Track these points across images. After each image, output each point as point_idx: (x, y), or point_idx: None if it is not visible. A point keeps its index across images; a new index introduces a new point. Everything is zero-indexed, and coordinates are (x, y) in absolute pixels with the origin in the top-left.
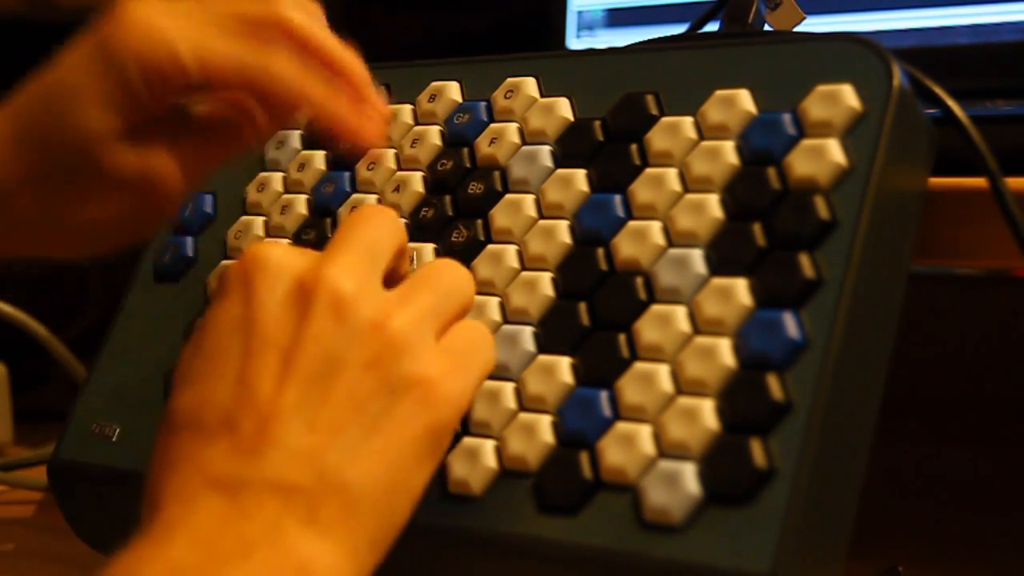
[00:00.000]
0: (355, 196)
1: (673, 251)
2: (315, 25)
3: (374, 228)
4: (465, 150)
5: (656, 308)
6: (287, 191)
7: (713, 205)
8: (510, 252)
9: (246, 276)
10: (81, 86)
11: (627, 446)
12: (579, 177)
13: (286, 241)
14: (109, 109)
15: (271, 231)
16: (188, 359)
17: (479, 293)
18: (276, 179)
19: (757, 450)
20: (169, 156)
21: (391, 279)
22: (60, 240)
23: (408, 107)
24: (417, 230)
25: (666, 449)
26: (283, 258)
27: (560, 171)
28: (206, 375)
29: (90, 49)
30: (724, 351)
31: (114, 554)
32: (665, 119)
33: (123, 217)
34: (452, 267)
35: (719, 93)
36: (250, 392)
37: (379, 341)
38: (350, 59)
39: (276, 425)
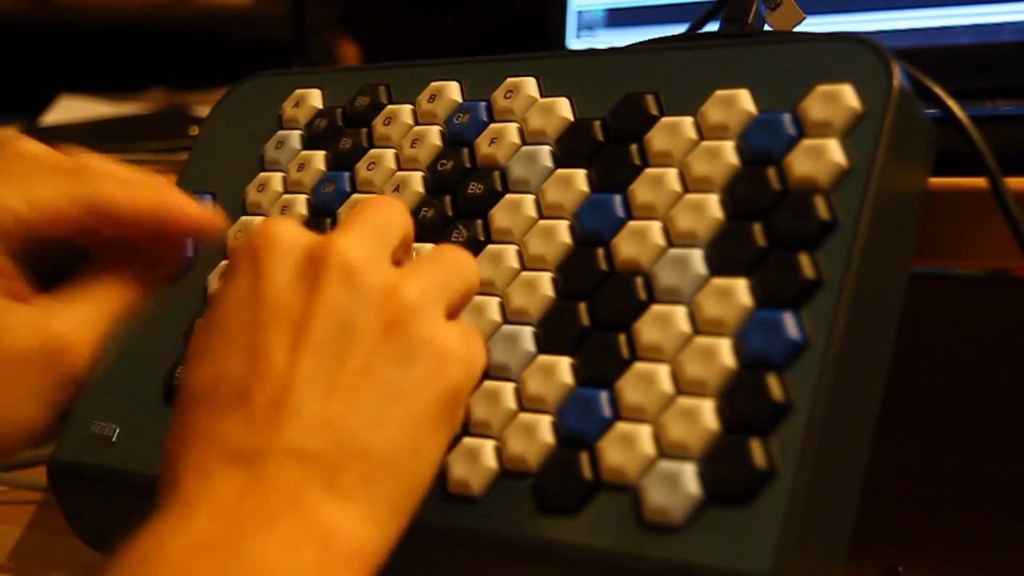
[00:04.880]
0: (355, 196)
1: (673, 251)
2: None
3: (383, 212)
4: (465, 150)
5: (656, 308)
6: (287, 191)
7: (713, 205)
8: (510, 252)
9: (255, 251)
10: None
11: (627, 446)
12: (579, 177)
13: None
14: None
15: None
16: (200, 336)
17: (479, 293)
18: (276, 179)
19: (757, 450)
20: (70, 314)
21: (397, 264)
22: None
23: (408, 107)
24: (417, 230)
25: (666, 449)
26: (292, 232)
27: (560, 171)
28: (218, 350)
29: None
30: (724, 351)
31: (134, 532)
32: (665, 119)
33: (17, 403)
34: (458, 250)
35: (719, 93)
36: (264, 363)
37: (392, 306)
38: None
39: (292, 394)
